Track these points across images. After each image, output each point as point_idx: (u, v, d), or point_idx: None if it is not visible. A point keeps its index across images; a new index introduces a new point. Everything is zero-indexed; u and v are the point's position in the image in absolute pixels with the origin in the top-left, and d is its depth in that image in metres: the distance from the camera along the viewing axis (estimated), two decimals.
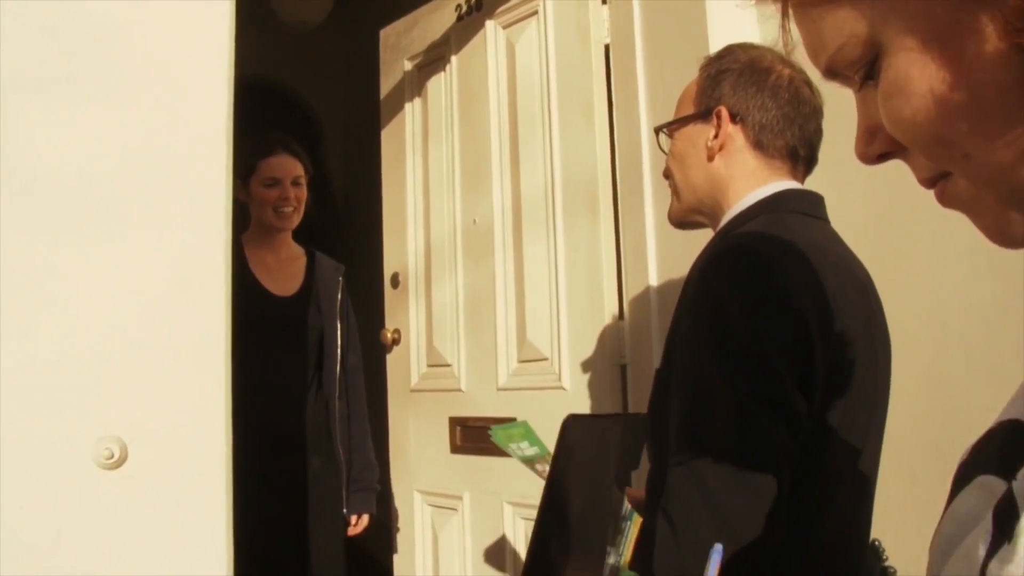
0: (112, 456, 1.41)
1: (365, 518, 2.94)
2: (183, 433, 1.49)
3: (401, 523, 3.21)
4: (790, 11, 0.59)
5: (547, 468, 1.74)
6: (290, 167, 2.87)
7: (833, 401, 1.30)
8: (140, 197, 1.50)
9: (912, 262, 1.91)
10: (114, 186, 1.49)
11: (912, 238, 1.92)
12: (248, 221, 2.92)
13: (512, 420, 2.39)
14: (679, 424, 1.29)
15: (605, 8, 2.61)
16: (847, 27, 0.55)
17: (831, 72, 0.59)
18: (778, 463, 1.22)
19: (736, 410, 1.23)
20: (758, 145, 1.49)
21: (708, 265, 1.34)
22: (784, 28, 0.61)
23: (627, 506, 1.65)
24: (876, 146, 0.59)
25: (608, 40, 2.60)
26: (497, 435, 1.76)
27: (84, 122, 1.49)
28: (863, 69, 0.56)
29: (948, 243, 1.85)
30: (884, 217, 1.97)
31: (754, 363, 1.24)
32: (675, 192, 1.60)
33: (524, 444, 1.76)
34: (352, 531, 2.93)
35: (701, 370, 1.28)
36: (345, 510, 2.89)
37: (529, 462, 1.75)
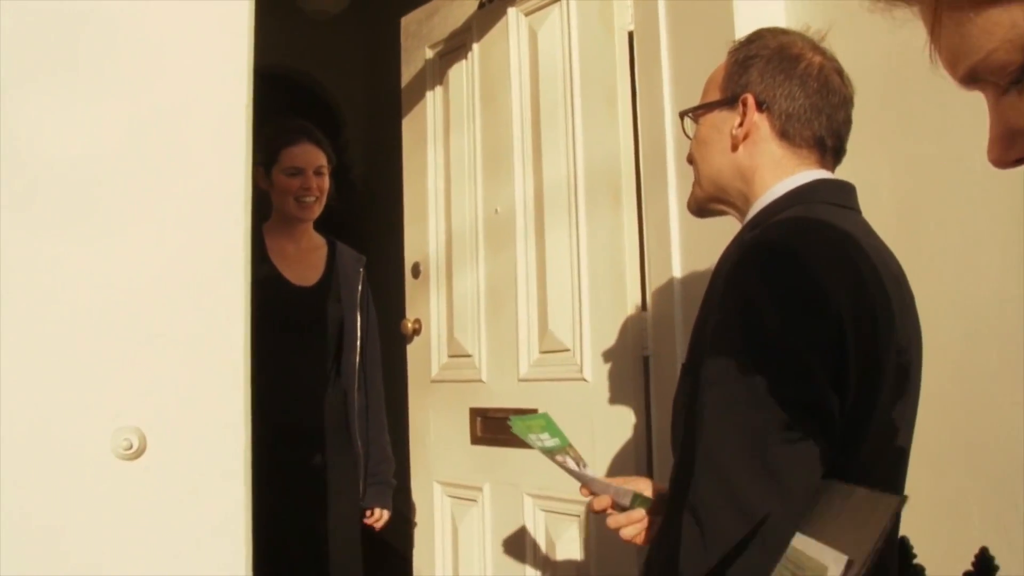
0: (131, 447, 1.40)
1: (384, 514, 2.93)
2: (202, 424, 1.48)
3: (420, 514, 3.21)
4: (940, 16, 0.57)
5: (567, 459, 1.73)
6: (313, 157, 2.85)
7: (867, 398, 1.27)
8: (159, 185, 1.49)
9: (942, 254, 1.88)
10: (133, 174, 1.48)
11: (942, 230, 1.88)
12: (270, 210, 2.91)
13: (533, 412, 2.37)
14: (708, 420, 1.27)
15: None
16: (1000, 31, 0.53)
17: (972, 77, 0.57)
18: (810, 463, 1.20)
19: (768, 409, 1.20)
20: (784, 135, 1.46)
21: (740, 259, 1.31)
22: (934, 35, 0.59)
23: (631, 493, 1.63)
24: (1017, 150, 0.57)
25: (632, 27, 2.57)
26: (517, 425, 1.74)
27: (104, 110, 1.48)
28: (1015, 74, 0.54)
29: (979, 235, 1.81)
30: (913, 208, 1.94)
31: (787, 361, 1.22)
32: (697, 179, 1.58)
33: (545, 435, 1.74)
34: (370, 523, 2.92)
35: (732, 366, 1.25)
36: (362, 503, 2.89)
37: (549, 453, 1.73)
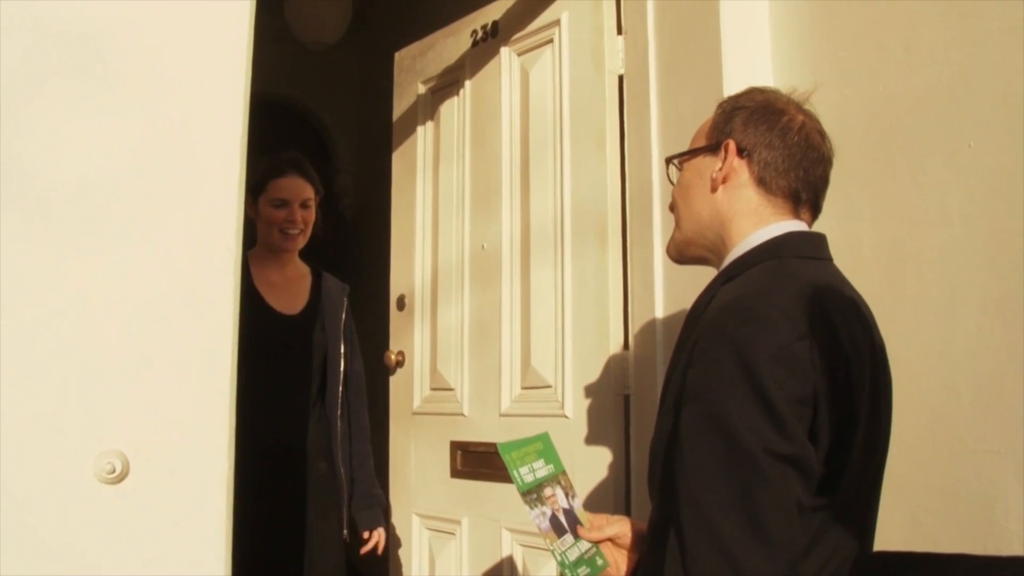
0: (114, 471, 1.40)
1: (382, 533, 2.91)
2: (186, 449, 1.48)
3: (399, 546, 3.20)
4: None
5: (556, 491, 1.70)
6: (299, 189, 2.85)
7: (842, 446, 1.32)
8: (149, 210, 1.50)
9: (922, 304, 1.91)
10: (123, 198, 1.49)
11: (922, 281, 1.92)
12: (255, 237, 2.92)
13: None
14: (691, 470, 1.29)
15: (621, 39, 2.62)
16: None
17: None
18: (791, 511, 1.24)
19: (749, 459, 1.23)
20: (761, 182, 1.50)
21: (719, 314, 1.34)
22: None
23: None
24: None
25: (623, 71, 2.61)
26: (508, 455, 1.70)
27: (95, 132, 1.48)
28: None
29: (957, 286, 1.85)
30: (894, 259, 1.97)
31: (766, 413, 1.24)
32: (678, 223, 1.62)
33: (540, 463, 1.72)
34: (369, 547, 2.90)
35: (713, 418, 1.28)
36: (358, 528, 2.87)
37: (536, 487, 1.70)
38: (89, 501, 1.40)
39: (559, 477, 1.73)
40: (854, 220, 2.05)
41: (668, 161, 1.66)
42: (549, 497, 1.70)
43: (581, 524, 1.69)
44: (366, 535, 2.88)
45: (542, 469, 1.71)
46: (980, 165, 1.82)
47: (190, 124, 1.56)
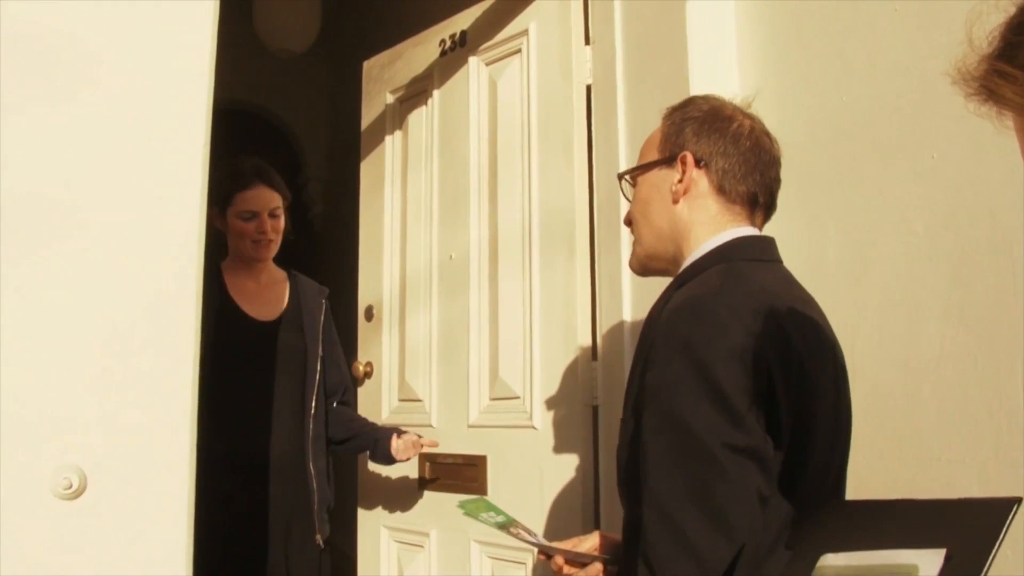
0: (71, 486, 1.38)
1: (408, 440, 2.85)
2: (145, 463, 1.46)
3: (367, 558, 3.17)
4: None
5: (520, 531, 1.78)
6: (267, 199, 2.83)
7: (802, 441, 1.36)
8: (109, 217, 1.48)
9: (886, 312, 1.92)
10: (82, 206, 1.47)
11: (886, 289, 1.93)
12: (227, 248, 2.89)
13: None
14: (652, 469, 1.33)
15: (588, 49, 2.62)
16: None
17: None
18: (751, 503, 1.28)
19: (708, 455, 1.27)
20: (721, 190, 1.53)
21: (672, 316, 1.38)
22: None
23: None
24: None
25: (590, 81, 2.61)
26: (467, 507, 1.80)
27: (55, 138, 1.47)
28: None
29: (921, 293, 1.86)
30: (858, 267, 1.98)
31: (723, 409, 1.28)
32: (637, 238, 1.64)
33: (492, 514, 1.79)
34: (405, 456, 2.84)
35: (671, 416, 1.32)
36: (387, 454, 2.82)
37: (502, 527, 1.77)
38: (45, 517, 1.38)
39: (514, 523, 1.80)
40: (819, 229, 2.06)
41: (621, 177, 1.68)
42: (517, 534, 1.76)
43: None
44: (396, 453, 2.82)
45: (497, 517, 1.79)
46: (943, 175, 1.83)
47: (152, 131, 1.54)
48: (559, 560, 1.67)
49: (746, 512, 1.27)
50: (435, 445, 2.86)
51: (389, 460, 2.85)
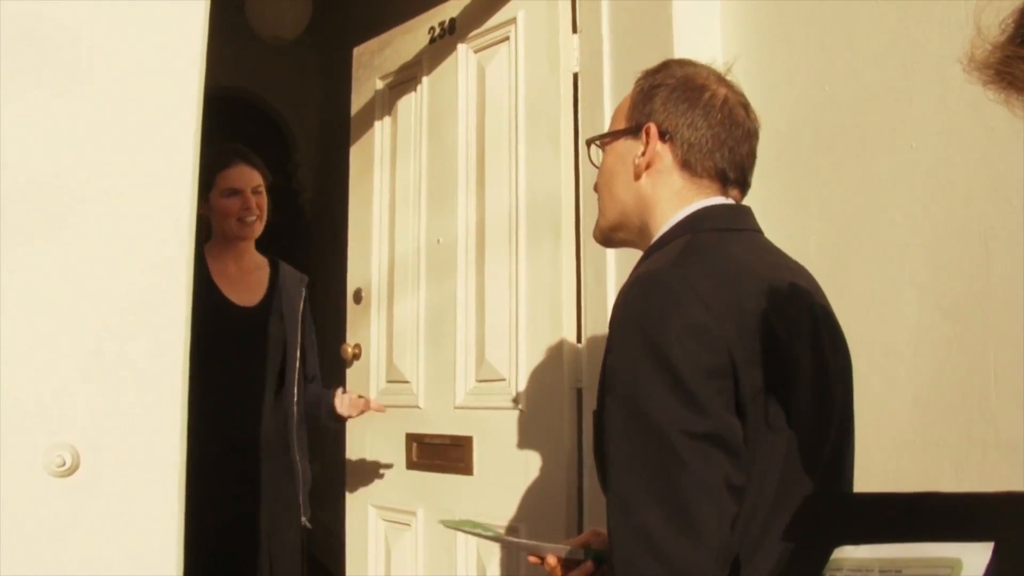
0: (64, 464, 1.40)
1: (350, 396, 2.91)
2: (137, 442, 1.48)
3: (355, 537, 3.21)
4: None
5: (509, 539, 1.84)
6: (248, 176, 2.85)
7: (778, 410, 1.27)
8: (101, 202, 1.50)
9: (866, 299, 1.95)
10: (74, 191, 1.48)
11: (866, 276, 1.96)
12: (209, 233, 2.91)
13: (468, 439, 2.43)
14: (612, 463, 1.26)
15: (576, 38, 2.65)
16: None
17: None
18: (717, 494, 1.19)
19: (668, 443, 1.19)
20: (685, 165, 1.44)
21: (624, 297, 1.30)
22: None
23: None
24: None
25: (577, 69, 2.64)
26: (450, 524, 1.84)
27: (45, 126, 1.48)
28: None
29: (900, 281, 1.89)
30: (839, 254, 2.02)
31: (679, 392, 1.20)
32: (601, 209, 1.57)
33: (479, 529, 1.79)
34: (350, 412, 2.89)
35: (627, 403, 1.24)
36: (337, 411, 2.87)
37: (490, 539, 1.79)
38: (39, 495, 1.40)
39: (499, 536, 1.82)
40: (801, 217, 2.09)
41: (589, 143, 1.61)
42: (507, 542, 1.80)
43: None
44: (341, 408, 2.88)
45: (486, 532, 1.77)
46: (922, 165, 1.86)
47: (143, 118, 1.55)
48: (551, 560, 1.59)
49: (712, 504, 1.18)
50: (382, 410, 2.90)
51: (338, 420, 2.90)
